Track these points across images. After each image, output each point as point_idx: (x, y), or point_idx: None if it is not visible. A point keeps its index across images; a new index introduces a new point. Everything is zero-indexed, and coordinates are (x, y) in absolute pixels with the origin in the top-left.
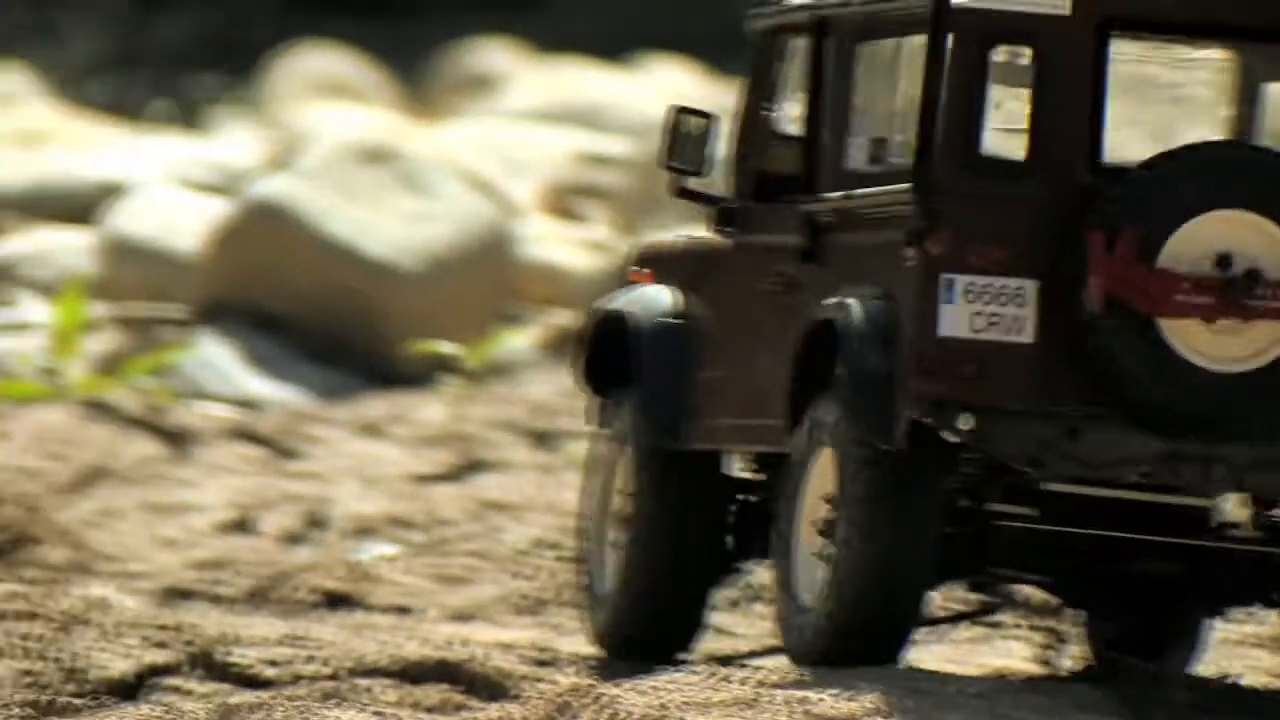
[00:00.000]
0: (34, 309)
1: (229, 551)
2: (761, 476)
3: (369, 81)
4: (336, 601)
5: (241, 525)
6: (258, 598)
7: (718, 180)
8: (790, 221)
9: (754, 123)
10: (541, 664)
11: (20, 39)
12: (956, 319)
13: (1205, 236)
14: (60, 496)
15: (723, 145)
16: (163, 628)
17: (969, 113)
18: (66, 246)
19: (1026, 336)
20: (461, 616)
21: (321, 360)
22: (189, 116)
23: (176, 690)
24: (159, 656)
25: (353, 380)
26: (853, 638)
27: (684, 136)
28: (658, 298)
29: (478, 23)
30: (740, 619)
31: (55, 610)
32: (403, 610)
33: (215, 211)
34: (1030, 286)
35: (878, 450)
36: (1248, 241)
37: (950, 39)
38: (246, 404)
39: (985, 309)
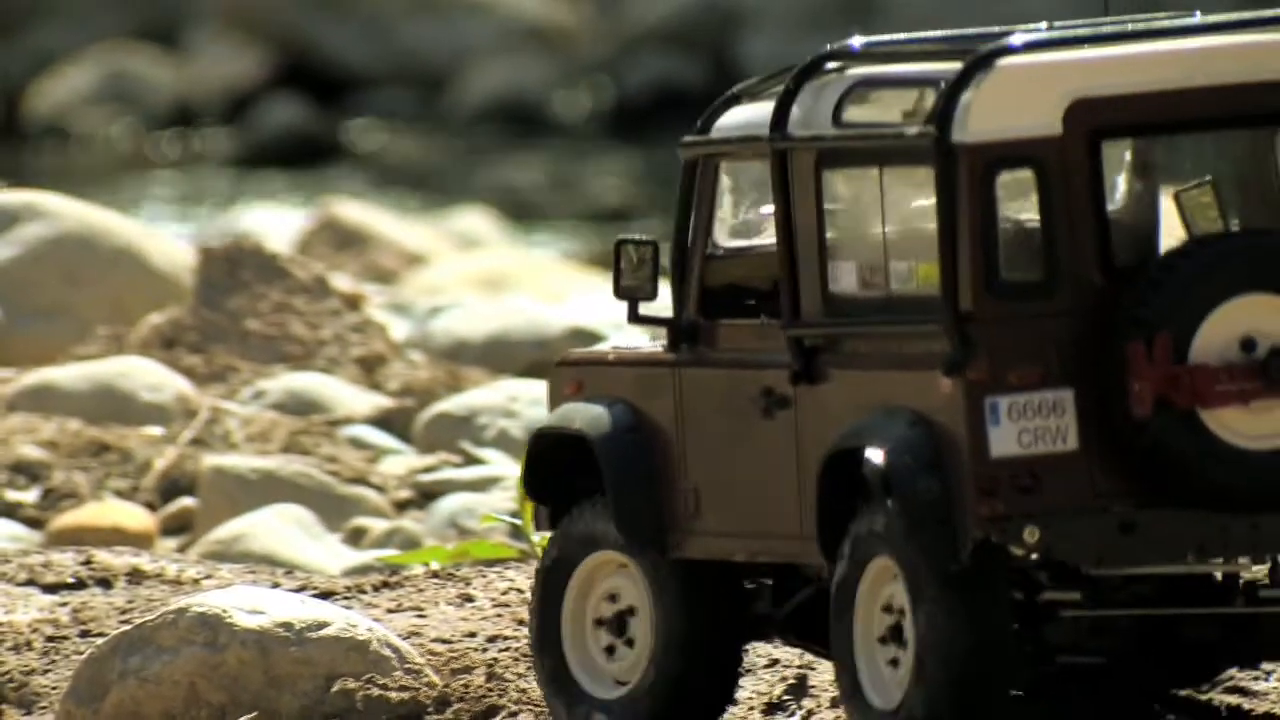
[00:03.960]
0: (499, 465)
1: None
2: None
3: None
4: None
5: None
6: None
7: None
8: (768, 341)
9: (692, 243)
10: None
11: (476, 179)
12: (1005, 438)
13: (1228, 324)
14: (528, 664)
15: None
16: None
17: (984, 241)
18: (532, 398)
19: (1071, 444)
20: None
21: None
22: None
23: None
24: None
25: None
26: None
27: (631, 264)
28: (607, 413)
29: None
30: None
31: None
32: None
33: None
34: (1067, 396)
35: (945, 570)
36: (1266, 322)
37: (956, 173)
38: None
39: (1030, 424)
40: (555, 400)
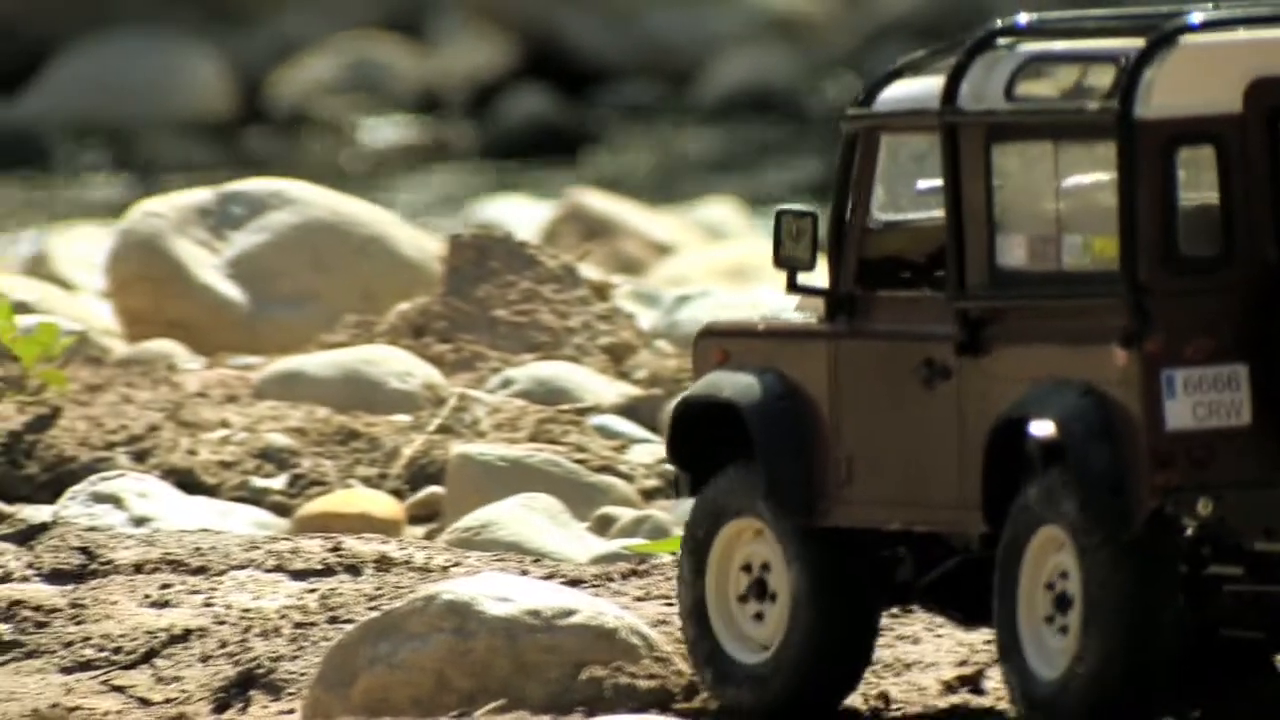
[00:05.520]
0: None
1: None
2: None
3: None
4: None
5: (970, 681)
6: None
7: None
8: (929, 312)
9: (851, 215)
10: None
11: (722, 170)
12: (1181, 411)
13: None
14: None
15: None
16: None
17: (1164, 214)
18: None
19: (1244, 419)
20: None
21: None
22: None
23: None
24: None
25: None
26: (1108, 711)
27: (791, 235)
28: (757, 381)
29: None
30: None
31: None
32: None
33: None
34: (1241, 371)
35: (1117, 540)
36: None
37: (1137, 148)
38: None
39: (1204, 398)
40: (700, 370)
